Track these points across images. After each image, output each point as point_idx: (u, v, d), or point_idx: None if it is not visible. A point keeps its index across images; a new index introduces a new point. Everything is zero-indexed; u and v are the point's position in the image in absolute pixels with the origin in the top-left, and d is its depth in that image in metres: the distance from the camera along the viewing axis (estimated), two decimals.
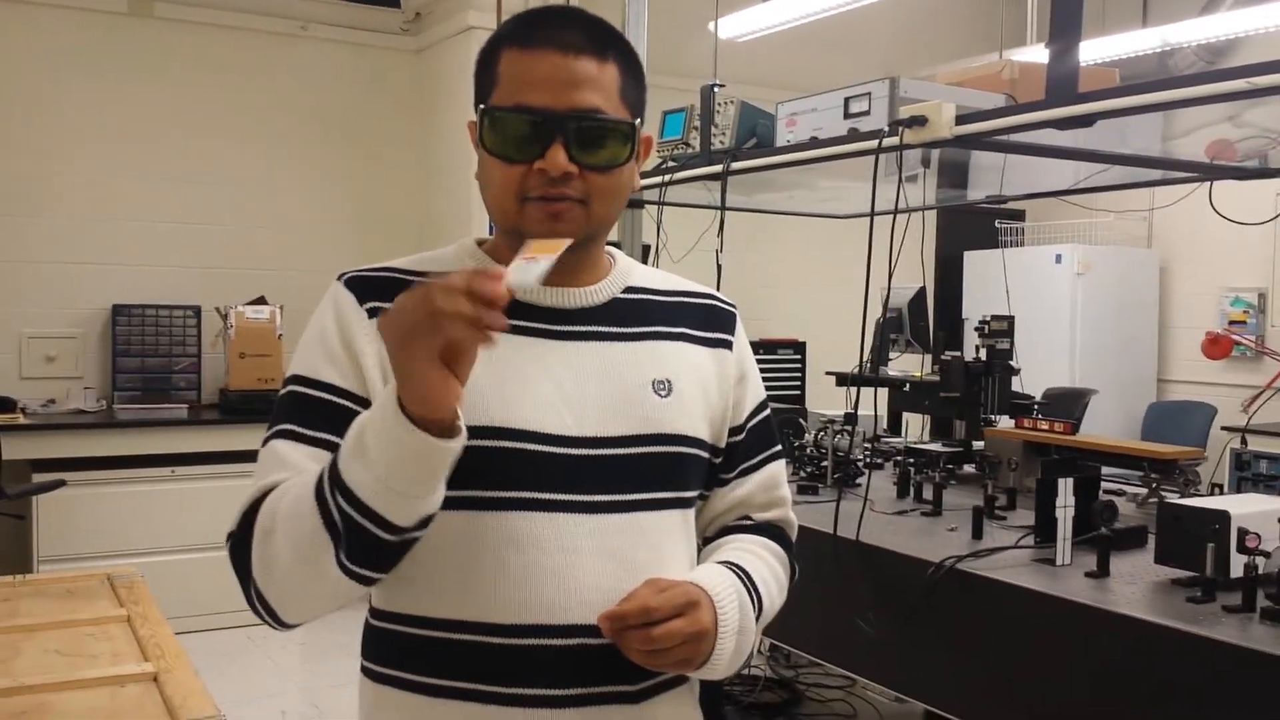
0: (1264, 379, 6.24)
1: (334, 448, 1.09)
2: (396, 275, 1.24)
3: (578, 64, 1.16)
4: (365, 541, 1.05)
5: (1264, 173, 2.96)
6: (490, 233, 1.34)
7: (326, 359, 1.19)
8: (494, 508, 1.15)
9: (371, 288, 1.23)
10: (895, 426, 3.93)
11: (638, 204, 4.00)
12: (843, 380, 3.74)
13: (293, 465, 1.14)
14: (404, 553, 1.09)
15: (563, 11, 1.21)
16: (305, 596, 1.13)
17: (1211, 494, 2.65)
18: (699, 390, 1.29)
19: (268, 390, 5.13)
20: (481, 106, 1.19)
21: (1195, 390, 6.61)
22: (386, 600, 1.22)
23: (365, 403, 1.15)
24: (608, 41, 1.19)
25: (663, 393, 1.25)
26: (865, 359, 2.94)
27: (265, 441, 1.19)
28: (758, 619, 1.26)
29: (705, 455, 1.30)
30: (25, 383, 5.13)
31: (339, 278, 1.25)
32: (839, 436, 3.12)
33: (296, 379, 1.20)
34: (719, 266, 3.08)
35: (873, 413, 3.02)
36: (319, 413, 1.17)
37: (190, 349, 5.33)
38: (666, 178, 3.34)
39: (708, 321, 1.35)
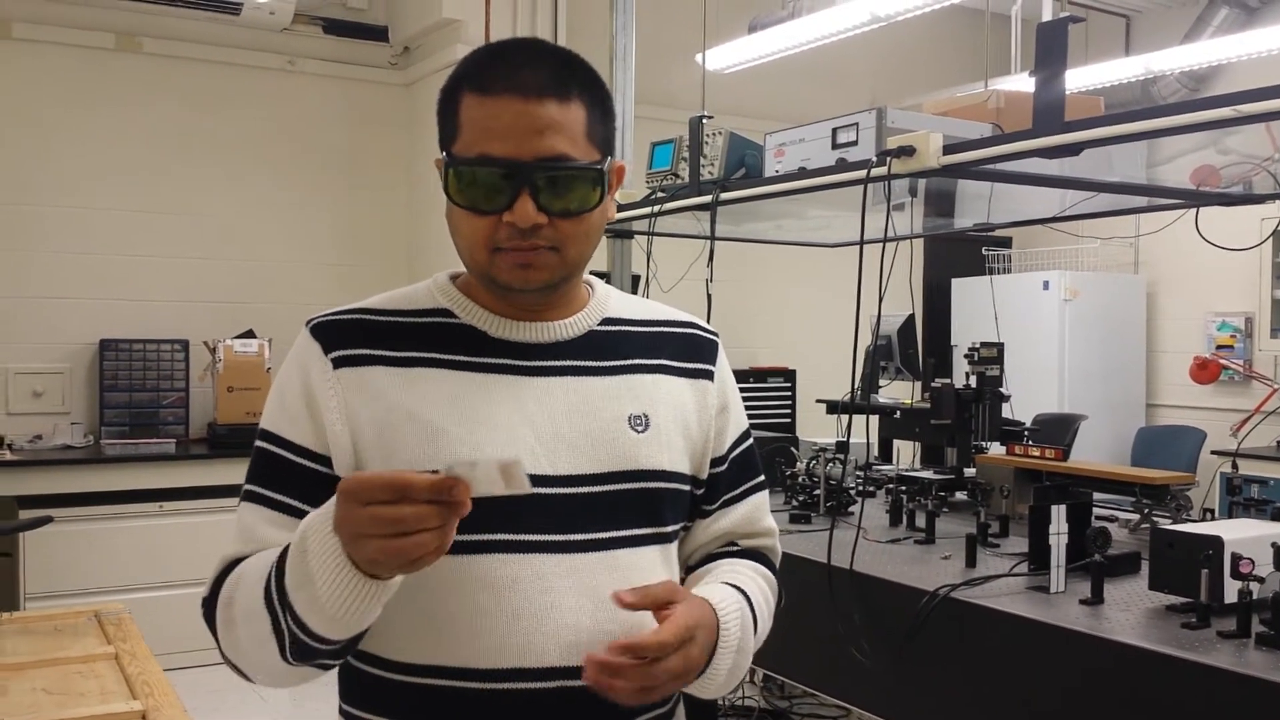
0: (1252, 403, 6.27)
1: (294, 511, 1.14)
2: (366, 317, 1.23)
3: (540, 109, 1.12)
4: (310, 650, 1.07)
5: (1249, 199, 2.98)
6: None
7: (288, 416, 1.20)
8: (468, 551, 1.13)
9: (340, 333, 1.21)
10: (886, 454, 3.93)
11: (627, 234, 4.01)
12: (834, 408, 3.74)
13: (256, 538, 1.17)
14: (349, 651, 1.12)
15: (522, 48, 1.17)
16: (273, 675, 1.15)
17: (1203, 519, 2.65)
18: (678, 423, 1.27)
19: (256, 424, 5.08)
20: (445, 154, 1.17)
21: (1184, 415, 6.64)
22: (364, 642, 1.19)
23: (325, 460, 1.18)
24: (570, 78, 1.15)
25: (639, 428, 1.23)
26: (856, 386, 2.94)
27: (240, 498, 1.21)
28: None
29: (685, 489, 1.28)
30: (12, 418, 5.10)
31: (307, 324, 1.24)
32: (831, 465, 3.12)
33: (263, 434, 1.22)
34: (709, 296, 3.09)
35: (864, 440, 3.01)
36: (281, 473, 1.19)
37: (178, 383, 5.31)
38: (656, 208, 3.35)
39: (688, 351, 1.32)
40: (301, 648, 1.06)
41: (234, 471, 4.93)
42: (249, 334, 5.41)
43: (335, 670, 1.21)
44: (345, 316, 1.23)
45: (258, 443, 1.22)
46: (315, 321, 1.23)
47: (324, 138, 5.79)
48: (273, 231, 5.69)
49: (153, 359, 5.27)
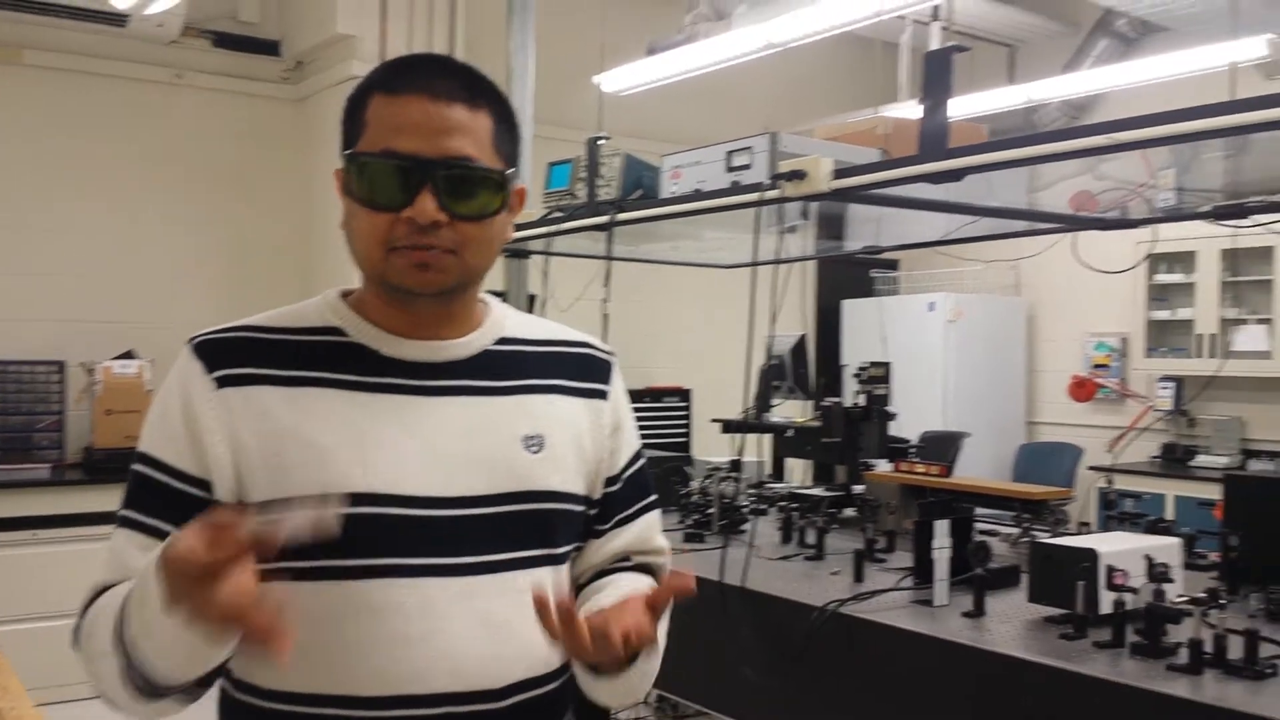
0: (1127, 420, 6.52)
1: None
2: (252, 335, 1.20)
3: (449, 110, 1.12)
4: (161, 690, 1.05)
5: (1124, 223, 3.10)
6: None
7: (166, 438, 1.17)
8: (353, 576, 1.11)
9: (224, 352, 1.18)
10: (779, 472, 3.98)
11: (523, 254, 4.00)
12: (728, 427, 3.78)
13: (127, 566, 1.13)
14: (207, 687, 1.10)
15: (434, 59, 1.17)
16: (138, 709, 1.10)
17: (1080, 533, 2.75)
18: (572, 444, 1.26)
19: (135, 448, 4.94)
20: (348, 152, 1.15)
21: (1062, 432, 6.87)
22: (244, 671, 1.16)
23: (205, 484, 1.14)
24: (480, 90, 1.16)
25: (534, 449, 1.21)
26: (749, 406, 2.97)
27: (115, 523, 1.18)
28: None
29: (579, 509, 1.28)
30: None
31: (189, 341, 1.20)
32: (724, 483, 3.15)
33: (140, 457, 1.18)
34: (605, 316, 3.09)
35: (757, 459, 3.05)
36: (157, 498, 1.15)
37: (54, 406, 5.10)
38: (553, 228, 3.35)
39: (583, 371, 1.32)
40: (151, 689, 1.04)
41: (112, 498, 4.68)
42: (129, 355, 5.22)
43: (215, 700, 1.17)
44: (230, 334, 1.20)
45: (134, 465, 1.18)
46: (198, 339, 1.19)
47: (212, 153, 5.64)
48: (158, 249, 5.51)
49: (27, 381, 5.05)
